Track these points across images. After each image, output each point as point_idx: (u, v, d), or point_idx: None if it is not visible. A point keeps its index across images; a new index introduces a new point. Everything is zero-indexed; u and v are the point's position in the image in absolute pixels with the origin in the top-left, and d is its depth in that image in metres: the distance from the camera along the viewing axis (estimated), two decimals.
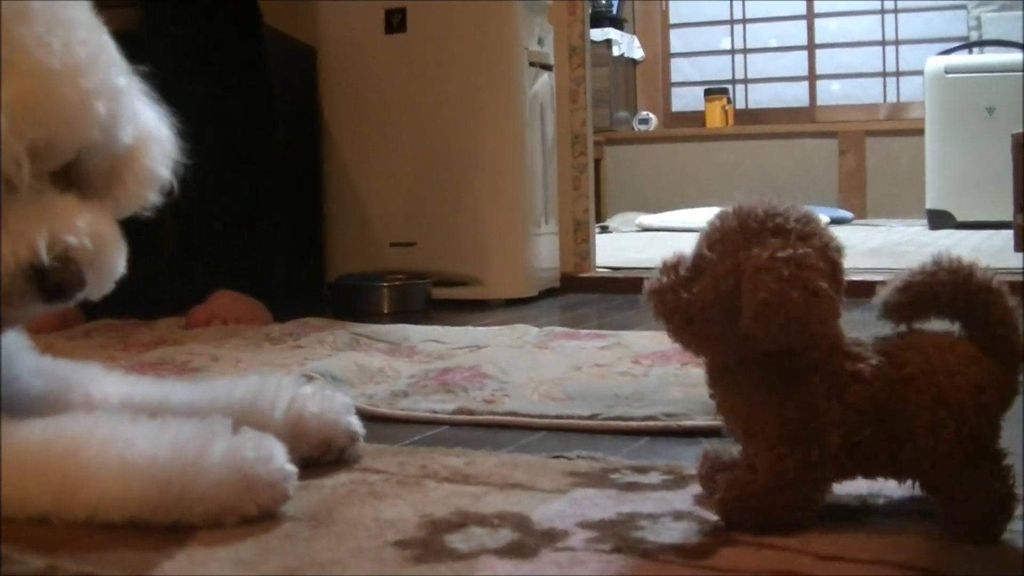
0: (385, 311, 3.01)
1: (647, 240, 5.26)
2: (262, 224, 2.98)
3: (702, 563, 0.98)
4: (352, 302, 3.05)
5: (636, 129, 7.30)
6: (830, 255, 1.04)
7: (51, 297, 1.14)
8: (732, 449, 1.14)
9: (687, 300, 1.06)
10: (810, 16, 7.20)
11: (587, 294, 3.46)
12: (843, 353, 1.05)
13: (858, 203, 6.62)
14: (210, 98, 2.70)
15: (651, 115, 7.39)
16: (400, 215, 3.29)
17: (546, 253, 3.41)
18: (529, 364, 1.99)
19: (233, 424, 1.15)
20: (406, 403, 1.71)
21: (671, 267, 1.09)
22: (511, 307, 3.12)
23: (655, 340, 2.18)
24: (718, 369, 1.10)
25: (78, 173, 1.21)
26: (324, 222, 3.45)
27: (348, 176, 3.36)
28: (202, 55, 2.84)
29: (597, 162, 6.49)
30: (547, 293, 3.40)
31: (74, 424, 1.15)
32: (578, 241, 3.64)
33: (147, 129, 1.34)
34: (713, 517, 1.09)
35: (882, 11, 7.07)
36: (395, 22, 3.25)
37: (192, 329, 2.56)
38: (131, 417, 1.17)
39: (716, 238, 1.06)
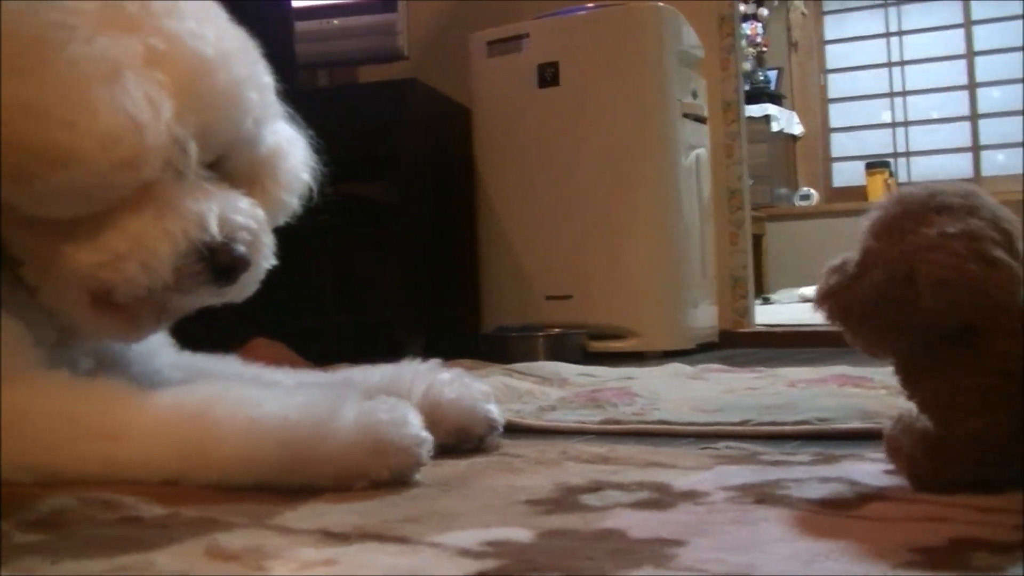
0: (540, 362, 2.97)
1: (809, 309, 5.14)
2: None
3: (849, 513, 0.93)
4: (506, 352, 3.03)
5: (797, 205, 7.20)
6: (1002, 226, 0.98)
7: (220, 277, 1.15)
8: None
9: (860, 296, 1.01)
10: (972, 86, 7.04)
11: (746, 349, 3.38)
12: None
13: None
14: None
15: (812, 191, 7.28)
16: (555, 268, 3.27)
17: (703, 307, 3.36)
18: (681, 389, 1.94)
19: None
20: (553, 415, 1.68)
21: (838, 267, 1.05)
22: (668, 359, 3.06)
23: (812, 372, 2.12)
24: (907, 365, 1.05)
25: (222, 173, 1.22)
26: (479, 276, 3.45)
27: (503, 230, 3.36)
28: None
29: (759, 238, 6.42)
30: (705, 347, 3.34)
31: (204, 389, 1.14)
32: (736, 297, 3.58)
33: (286, 135, 1.36)
34: (868, 481, 1.04)
35: None
36: (548, 76, 3.26)
37: None
38: (263, 384, 1.16)
39: (881, 227, 1.02)
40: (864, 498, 0.98)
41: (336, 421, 1.06)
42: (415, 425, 1.10)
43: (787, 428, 1.49)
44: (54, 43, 1.07)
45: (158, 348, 1.38)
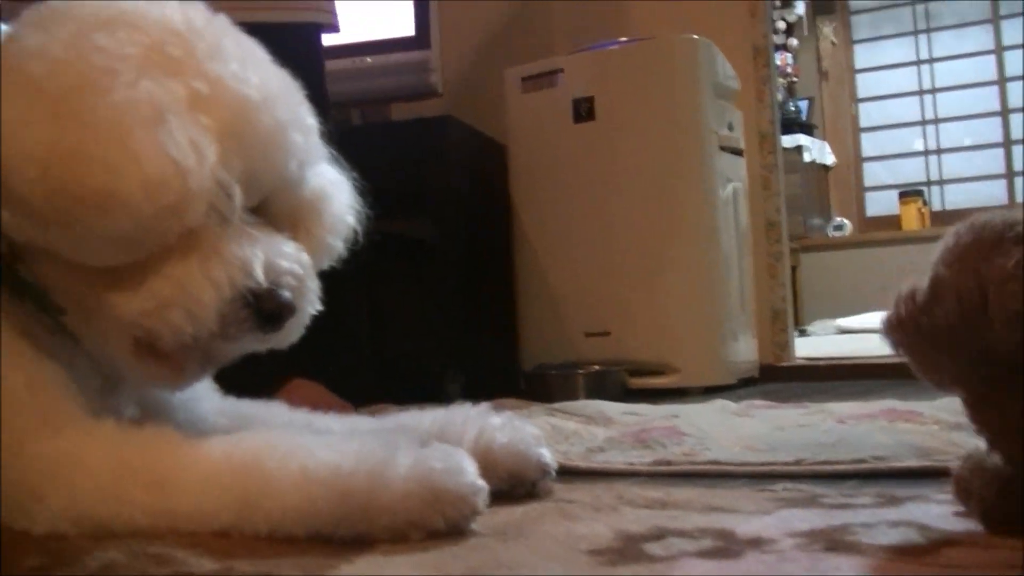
0: (580, 399, 2.94)
1: (847, 340, 5.10)
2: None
3: (924, 561, 0.90)
4: (547, 390, 3.00)
5: (831, 235, 7.15)
6: None
7: (266, 324, 1.13)
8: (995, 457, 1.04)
9: (929, 326, 0.98)
10: (1004, 112, 6.98)
11: (788, 383, 3.34)
12: None
13: None
14: None
15: (845, 221, 7.23)
16: (594, 304, 3.24)
17: (743, 341, 3.32)
18: (729, 426, 1.91)
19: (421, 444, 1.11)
20: (601, 457, 1.65)
21: (907, 296, 1.01)
22: (710, 395, 3.02)
23: (860, 407, 2.08)
24: (977, 398, 1.01)
25: (267, 217, 1.21)
26: (517, 313, 3.43)
27: (540, 266, 3.34)
28: None
29: (793, 269, 6.37)
30: (746, 382, 3.30)
31: (255, 437, 1.12)
32: (776, 331, 3.54)
33: (330, 177, 1.34)
34: (938, 525, 1.01)
35: None
36: (583, 111, 3.24)
37: None
38: (313, 432, 1.14)
39: (953, 256, 0.98)
40: (937, 544, 0.95)
41: (391, 470, 1.04)
42: (471, 473, 1.08)
43: (844, 467, 1.46)
44: (98, 87, 1.06)
45: (203, 394, 1.36)
